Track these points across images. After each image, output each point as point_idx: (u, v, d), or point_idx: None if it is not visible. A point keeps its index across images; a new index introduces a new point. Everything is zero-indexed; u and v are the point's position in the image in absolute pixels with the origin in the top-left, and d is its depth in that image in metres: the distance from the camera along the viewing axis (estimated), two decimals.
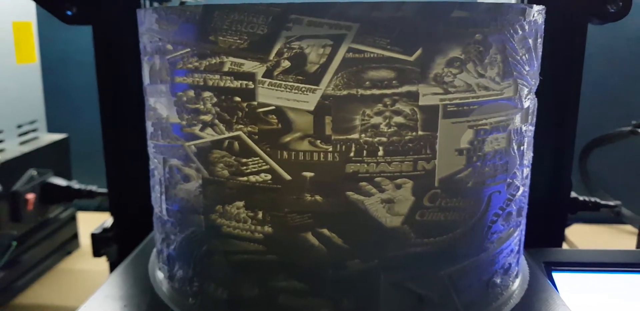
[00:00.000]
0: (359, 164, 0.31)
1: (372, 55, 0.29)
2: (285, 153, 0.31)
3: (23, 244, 0.69)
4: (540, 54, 0.37)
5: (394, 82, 0.30)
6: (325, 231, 0.32)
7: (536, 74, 0.37)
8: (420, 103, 0.30)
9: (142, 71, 0.38)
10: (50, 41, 0.90)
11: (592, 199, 0.62)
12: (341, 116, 0.30)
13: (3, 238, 0.64)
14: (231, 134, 0.32)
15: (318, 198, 0.31)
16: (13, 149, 0.70)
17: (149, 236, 0.50)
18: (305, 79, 0.30)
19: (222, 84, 0.31)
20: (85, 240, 0.83)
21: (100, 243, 0.57)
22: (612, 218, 0.72)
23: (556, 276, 0.49)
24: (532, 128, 0.38)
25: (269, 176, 0.31)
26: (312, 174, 0.31)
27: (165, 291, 0.39)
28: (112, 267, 0.59)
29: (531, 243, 0.48)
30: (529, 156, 0.38)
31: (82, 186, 0.72)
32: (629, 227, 0.87)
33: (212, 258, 0.35)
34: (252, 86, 0.30)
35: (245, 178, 0.32)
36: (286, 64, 0.30)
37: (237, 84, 0.31)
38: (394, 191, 0.31)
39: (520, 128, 0.36)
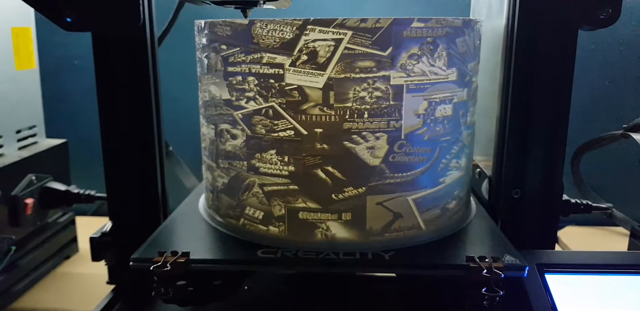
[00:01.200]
0: (351, 123, 0.47)
1: (360, 51, 0.45)
2: (303, 116, 0.47)
3: (22, 249, 0.70)
4: (479, 52, 0.54)
5: (374, 69, 0.46)
6: (330, 168, 0.48)
7: (476, 65, 0.53)
8: (391, 83, 0.46)
9: (196, 64, 0.54)
10: (49, 47, 0.91)
11: (584, 201, 0.64)
12: (340, 91, 0.46)
13: (2, 242, 0.65)
14: (267, 104, 0.48)
15: (325, 146, 0.47)
16: (12, 154, 0.70)
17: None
18: (317, 67, 0.46)
19: (261, 71, 0.47)
20: (84, 244, 0.83)
21: (99, 247, 0.57)
22: (604, 220, 0.75)
23: (549, 277, 0.50)
24: (474, 102, 0.54)
25: (293, 132, 0.48)
26: (321, 130, 0.47)
27: (213, 222, 0.55)
28: (111, 271, 0.59)
29: (525, 245, 0.53)
30: (471, 122, 0.54)
31: (81, 191, 0.72)
32: (620, 229, 0.86)
33: (252, 190, 0.51)
34: (282, 72, 0.47)
35: (276, 134, 0.48)
36: (304, 57, 0.46)
37: (271, 71, 0.47)
38: (374, 141, 0.48)
39: (464, 102, 0.52)
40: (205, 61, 0.52)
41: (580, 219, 0.88)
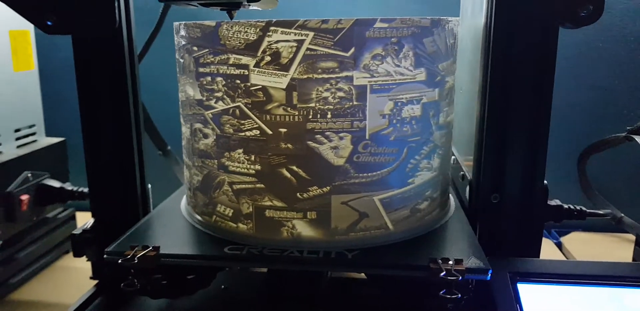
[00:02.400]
0: (315, 123, 0.47)
1: (322, 52, 0.46)
2: (268, 116, 0.48)
3: (20, 243, 0.73)
4: (454, 51, 0.53)
5: (336, 69, 0.46)
6: (294, 167, 0.49)
7: (450, 65, 0.53)
8: (354, 83, 0.47)
9: (176, 65, 0.55)
10: (50, 48, 0.92)
11: (578, 207, 0.62)
12: (303, 91, 0.47)
13: None
14: (234, 104, 0.49)
15: (289, 145, 0.48)
16: (10, 152, 0.73)
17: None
18: (280, 68, 0.46)
19: (228, 72, 0.48)
20: None
21: (81, 243, 0.58)
22: (615, 226, 0.73)
23: (521, 287, 0.48)
24: (449, 102, 0.54)
25: (258, 132, 0.48)
26: (285, 129, 0.48)
27: (190, 218, 0.56)
28: (94, 267, 0.61)
29: (504, 252, 0.52)
30: (446, 123, 0.54)
31: (75, 188, 0.74)
32: (631, 236, 0.84)
33: (222, 188, 0.52)
34: (247, 73, 0.47)
35: (243, 133, 0.49)
36: (268, 58, 0.47)
37: (237, 71, 0.48)
38: (338, 141, 0.48)
39: (435, 102, 0.52)
40: (182, 61, 0.54)
41: (587, 224, 0.89)
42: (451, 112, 0.56)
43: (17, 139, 0.76)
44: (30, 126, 0.79)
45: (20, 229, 0.73)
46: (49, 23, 0.52)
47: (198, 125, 0.53)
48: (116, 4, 0.52)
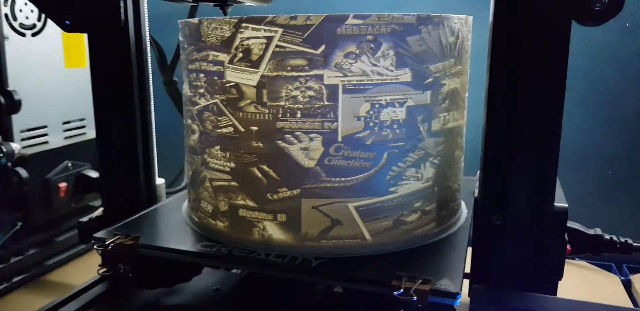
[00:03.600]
0: (284, 122, 0.46)
1: (291, 49, 0.44)
2: (240, 113, 0.47)
3: (58, 228, 0.77)
4: (458, 51, 0.49)
5: (306, 67, 0.44)
6: (265, 167, 0.47)
7: (449, 66, 0.48)
8: (325, 82, 0.45)
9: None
10: None
11: (622, 239, 0.55)
12: (273, 89, 0.45)
13: (8, 217, 0.70)
14: (213, 101, 0.49)
15: (260, 144, 0.47)
16: (56, 142, 0.76)
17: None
18: (251, 65, 0.46)
19: (207, 68, 0.49)
20: None
21: (85, 231, 0.61)
22: None
23: None
24: (450, 108, 0.49)
25: (232, 129, 0.48)
26: (256, 128, 0.47)
27: (184, 213, 0.57)
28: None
29: (513, 283, 0.48)
30: (444, 130, 0.50)
31: None
32: None
33: (204, 184, 0.52)
34: (223, 70, 0.47)
35: (220, 130, 0.49)
36: (240, 55, 0.46)
37: (215, 68, 0.48)
38: (309, 142, 0.46)
39: (425, 106, 0.48)
40: (182, 58, 0.55)
41: None
42: (457, 118, 0.51)
43: (66, 131, 0.81)
44: (81, 120, 0.84)
45: (59, 214, 0.78)
46: (67, 22, 0.57)
47: (189, 121, 0.54)
48: (122, 5, 0.55)
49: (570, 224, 0.56)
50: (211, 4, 0.56)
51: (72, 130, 0.82)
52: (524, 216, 0.48)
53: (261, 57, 0.45)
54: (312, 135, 0.46)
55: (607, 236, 0.55)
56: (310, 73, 0.45)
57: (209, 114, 0.50)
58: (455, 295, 0.41)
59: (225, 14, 0.58)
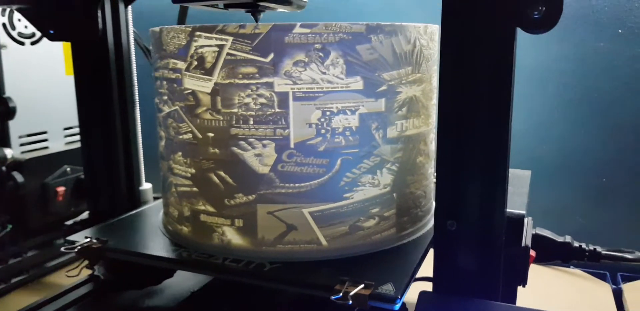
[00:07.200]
0: (238, 128, 0.47)
1: (241, 57, 0.45)
2: (198, 120, 0.48)
3: (55, 231, 0.77)
4: (416, 59, 0.49)
5: (256, 75, 0.45)
6: (222, 172, 0.48)
7: (405, 74, 0.48)
8: (275, 90, 0.45)
9: None
10: None
11: (592, 247, 0.54)
12: (226, 96, 0.46)
13: None
14: (174, 108, 0.50)
15: (217, 150, 0.48)
16: (56, 147, 0.79)
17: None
18: (205, 72, 0.47)
19: (168, 76, 0.50)
20: None
21: (70, 234, 0.59)
22: None
23: None
24: (408, 115, 0.49)
25: (191, 135, 0.49)
26: (212, 134, 0.48)
27: (159, 218, 0.59)
28: None
29: (463, 288, 0.47)
30: (401, 137, 0.49)
31: None
32: None
33: (171, 190, 0.53)
34: (181, 77, 0.48)
35: (181, 136, 0.50)
36: (195, 63, 0.47)
37: (174, 75, 0.49)
38: (262, 148, 0.47)
39: (379, 114, 0.48)
40: (151, 66, 0.56)
41: None
42: (420, 125, 0.51)
43: (67, 136, 0.84)
44: None
45: (58, 218, 0.76)
46: (51, 32, 0.59)
47: (158, 128, 0.55)
48: (99, 14, 0.57)
49: (540, 231, 0.56)
50: (243, 10, 0.57)
51: (73, 136, 0.85)
52: (476, 222, 0.46)
53: (214, 65, 0.46)
54: (265, 141, 0.47)
55: (576, 244, 0.54)
56: (261, 81, 0.45)
57: (172, 121, 0.51)
58: (394, 300, 0.41)
59: (256, 21, 0.58)
